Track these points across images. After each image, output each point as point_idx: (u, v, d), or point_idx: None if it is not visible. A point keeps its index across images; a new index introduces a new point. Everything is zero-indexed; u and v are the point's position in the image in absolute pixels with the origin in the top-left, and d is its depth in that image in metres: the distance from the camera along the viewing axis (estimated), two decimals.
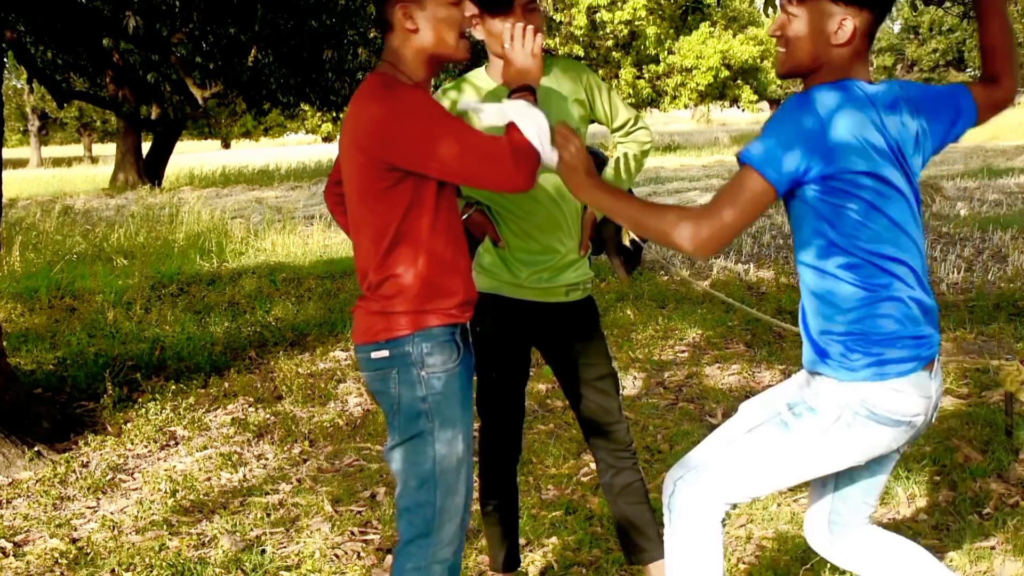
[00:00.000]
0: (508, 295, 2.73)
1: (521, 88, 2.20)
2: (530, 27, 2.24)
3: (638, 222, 2.03)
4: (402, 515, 2.23)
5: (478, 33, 2.59)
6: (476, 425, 2.95)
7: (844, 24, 1.97)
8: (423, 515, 2.19)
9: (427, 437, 2.16)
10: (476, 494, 2.84)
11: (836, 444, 2.05)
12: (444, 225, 2.16)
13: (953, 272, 7.89)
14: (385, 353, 2.14)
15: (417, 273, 2.13)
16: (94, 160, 37.48)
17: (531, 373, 5.18)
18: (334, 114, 14.82)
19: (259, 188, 22.10)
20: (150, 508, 3.84)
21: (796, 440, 2.07)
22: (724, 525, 2.18)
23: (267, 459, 4.40)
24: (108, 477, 4.21)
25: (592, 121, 2.83)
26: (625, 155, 2.86)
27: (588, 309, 2.83)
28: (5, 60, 7.13)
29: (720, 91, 35.56)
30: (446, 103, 2.70)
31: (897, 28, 70.90)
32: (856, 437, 2.04)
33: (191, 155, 36.36)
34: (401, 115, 2.05)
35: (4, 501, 4.02)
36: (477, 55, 3.60)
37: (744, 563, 3.16)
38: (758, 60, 37.47)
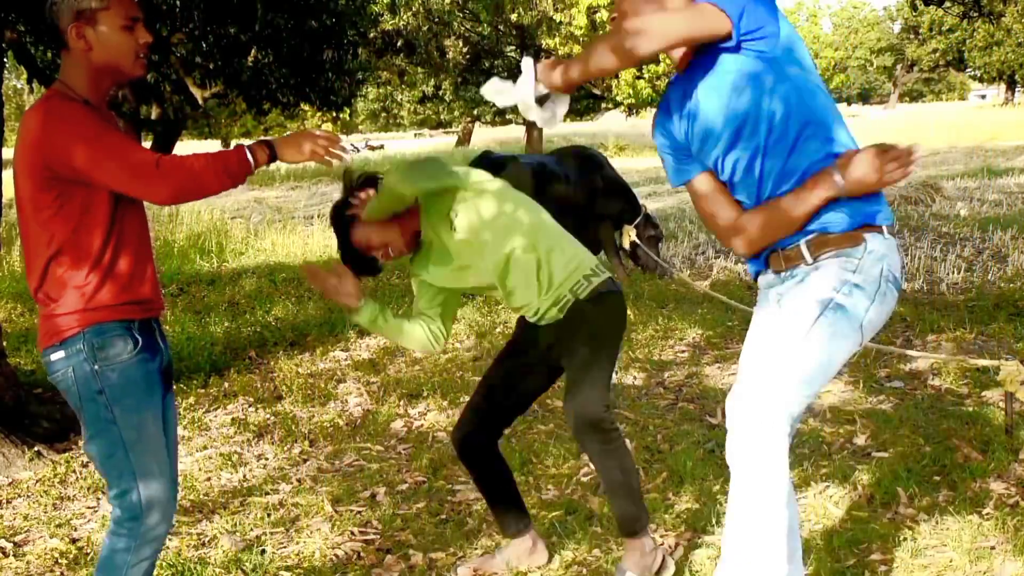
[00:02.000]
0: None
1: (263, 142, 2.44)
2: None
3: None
4: (113, 503, 2.40)
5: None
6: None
7: None
8: (130, 500, 2.37)
9: (112, 427, 2.32)
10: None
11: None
12: (122, 238, 2.33)
13: (953, 272, 7.89)
14: (61, 354, 2.31)
15: (84, 279, 2.29)
16: None
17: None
18: (334, 114, 14.81)
19: (259, 188, 22.08)
20: None
21: (852, 320, 2.20)
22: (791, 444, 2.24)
23: (267, 459, 4.40)
24: None
25: None
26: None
27: (584, 312, 2.91)
28: (5, 60, 7.13)
29: None
30: None
31: (897, 28, 70.89)
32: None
33: None
34: (60, 125, 2.22)
35: (4, 501, 4.02)
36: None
37: None
38: None
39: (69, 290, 2.30)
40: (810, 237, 2.25)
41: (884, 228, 2.28)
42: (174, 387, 2.61)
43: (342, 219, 2.98)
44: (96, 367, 2.30)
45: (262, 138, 2.51)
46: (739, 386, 2.29)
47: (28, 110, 2.31)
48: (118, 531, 2.40)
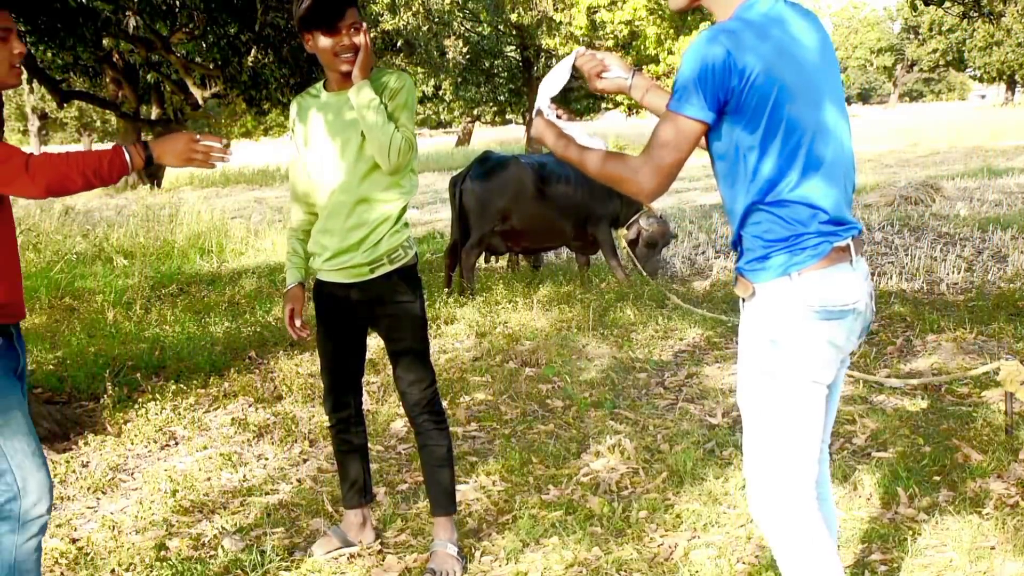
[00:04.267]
0: (327, 279, 3.17)
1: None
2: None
3: None
4: None
5: (310, 48, 2.98)
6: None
7: None
8: (6, 481, 2.47)
9: None
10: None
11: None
12: None
13: (953, 272, 7.89)
14: None
15: None
16: None
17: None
18: None
19: (259, 188, 22.11)
20: (150, 508, 3.84)
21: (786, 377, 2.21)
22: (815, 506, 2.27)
23: (267, 459, 4.40)
24: (108, 477, 4.21)
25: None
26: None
27: (398, 282, 3.10)
28: None
29: None
30: (293, 110, 3.16)
31: (897, 28, 70.90)
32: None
33: None
34: None
35: None
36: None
37: (744, 563, 3.16)
38: None
39: None
40: (736, 276, 2.30)
41: (787, 275, 2.18)
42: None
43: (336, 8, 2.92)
44: None
45: (145, 139, 2.56)
46: (748, 484, 2.33)
47: None
48: (1, 514, 2.47)
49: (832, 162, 2.18)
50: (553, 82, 2.54)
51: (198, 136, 2.54)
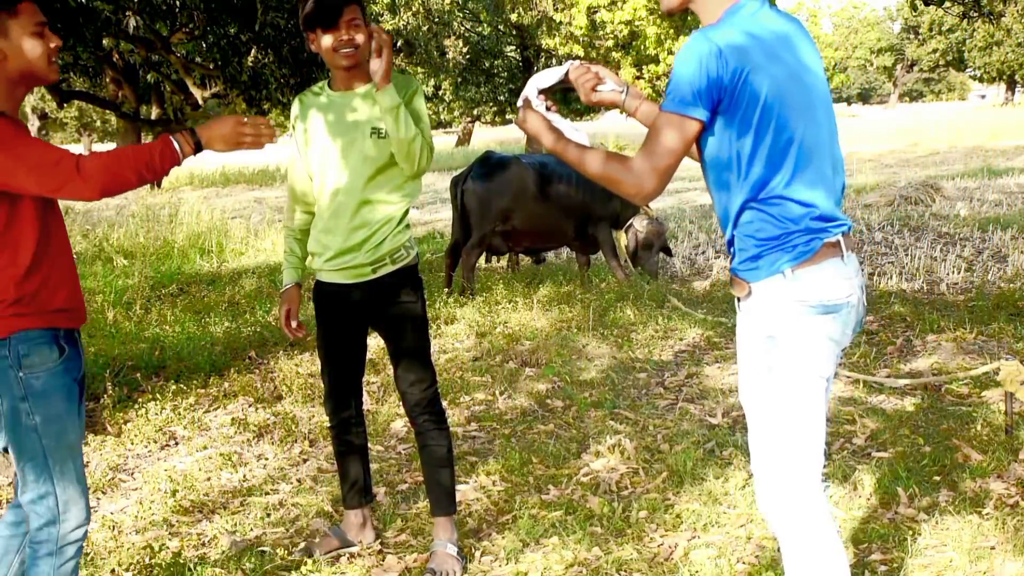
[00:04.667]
0: (327, 279, 3.17)
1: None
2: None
3: None
4: (29, 507, 2.44)
5: (315, 48, 2.98)
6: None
7: None
8: (47, 504, 2.41)
9: (32, 434, 2.37)
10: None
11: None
12: (48, 248, 2.40)
13: (953, 272, 7.89)
14: None
15: (11, 281, 2.33)
16: None
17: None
18: None
19: (259, 188, 22.11)
20: (150, 508, 3.84)
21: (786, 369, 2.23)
22: (825, 499, 2.30)
23: (267, 459, 4.40)
24: (108, 477, 4.21)
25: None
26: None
27: (399, 282, 3.09)
28: None
29: None
30: (295, 108, 3.14)
31: (897, 28, 70.91)
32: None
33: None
34: None
35: (4, 501, 4.01)
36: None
37: (744, 563, 3.16)
38: None
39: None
40: (731, 277, 2.34)
41: (780, 273, 2.21)
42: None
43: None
44: (21, 374, 2.34)
45: (192, 126, 2.54)
46: (756, 481, 2.36)
47: None
48: (38, 537, 2.46)
49: (821, 161, 2.23)
50: (543, 78, 2.55)
51: (245, 118, 2.53)
